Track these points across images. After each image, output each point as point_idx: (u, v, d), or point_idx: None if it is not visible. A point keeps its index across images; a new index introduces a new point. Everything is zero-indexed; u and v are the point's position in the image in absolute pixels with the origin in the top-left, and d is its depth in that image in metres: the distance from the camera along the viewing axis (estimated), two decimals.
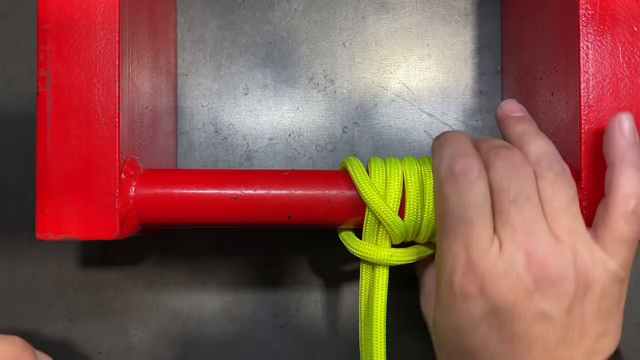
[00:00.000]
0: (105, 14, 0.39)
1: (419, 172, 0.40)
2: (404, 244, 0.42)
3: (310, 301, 0.55)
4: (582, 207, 0.39)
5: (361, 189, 0.39)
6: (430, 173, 0.39)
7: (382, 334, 0.42)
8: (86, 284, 0.55)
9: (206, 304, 0.55)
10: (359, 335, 0.44)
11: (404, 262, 0.42)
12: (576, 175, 0.39)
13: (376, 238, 0.41)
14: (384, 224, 0.39)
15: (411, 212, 0.39)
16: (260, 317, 0.55)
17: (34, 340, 0.55)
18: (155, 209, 0.40)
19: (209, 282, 0.55)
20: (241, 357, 0.55)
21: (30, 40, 0.55)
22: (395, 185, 0.40)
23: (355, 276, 0.55)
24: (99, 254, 0.55)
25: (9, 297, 0.55)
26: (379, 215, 0.39)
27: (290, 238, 0.54)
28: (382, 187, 0.40)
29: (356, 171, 0.40)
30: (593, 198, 0.39)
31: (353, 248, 0.42)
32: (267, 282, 0.55)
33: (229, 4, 0.55)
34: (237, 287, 0.55)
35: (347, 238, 0.42)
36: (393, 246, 0.42)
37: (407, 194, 0.40)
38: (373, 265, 0.42)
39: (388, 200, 0.39)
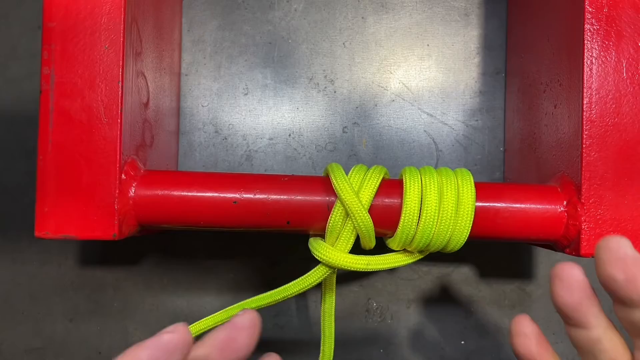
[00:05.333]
0: (110, 14, 0.38)
1: (419, 180, 0.40)
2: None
3: (310, 301, 0.55)
4: (580, 222, 0.39)
5: (334, 180, 0.39)
6: (432, 182, 0.39)
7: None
8: (86, 284, 0.55)
9: (206, 304, 0.55)
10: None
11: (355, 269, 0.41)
12: (577, 190, 0.39)
13: (337, 237, 0.40)
14: (351, 215, 0.39)
15: (407, 217, 0.39)
16: (260, 317, 0.55)
17: (34, 340, 0.55)
18: (155, 210, 0.40)
19: (209, 282, 0.55)
20: None
21: (30, 40, 0.55)
22: (371, 184, 0.39)
23: (354, 276, 0.55)
24: (98, 254, 0.55)
25: (9, 297, 0.55)
26: (346, 204, 0.39)
27: (290, 238, 0.54)
28: (357, 184, 0.39)
29: (335, 168, 0.40)
30: (592, 213, 0.39)
31: (316, 250, 0.41)
32: (267, 282, 0.55)
33: (229, 4, 0.55)
34: (237, 287, 0.55)
35: (314, 242, 0.42)
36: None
37: (405, 199, 0.39)
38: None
39: (361, 195, 0.39)
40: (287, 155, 0.55)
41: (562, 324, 0.55)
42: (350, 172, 0.40)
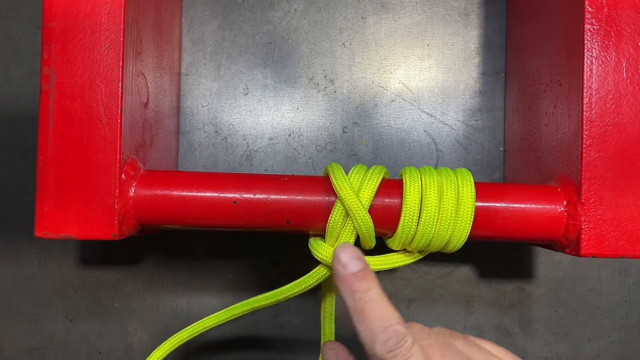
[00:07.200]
0: (110, 14, 0.38)
1: (419, 180, 0.40)
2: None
3: (310, 301, 0.55)
4: (580, 222, 0.39)
5: (334, 180, 0.39)
6: (432, 182, 0.39)
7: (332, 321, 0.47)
8: (86, 284, 0.55)
9: (206, 304, 0.55)
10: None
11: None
12: (577, 190, 0.40)
13: (337, 237, 0.40)
14: (351, 215, 0.39)
15: (407, 216, 0.39)
16: (260, 317, 0.55)
17: (34, 340, 0.55)
18: (155, 210, 0.40)
19: (209, 283, 0.55)
20: (241, 357, 0.55)
21: (30, 40, 0.55)
22: (371, 184, 0.39)
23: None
24: (99, 254, 0.55)
25: (9, 297, 0.55)
26: (346, 204, 0.39)
27: (290, 238, 0.54)
28: (357, 184, 0.39)
29: (335, 168, 0.40)
30: (592, 213, 0.39)
31: (315, 249, 0.41)
32: (267, 282, 0.55)
33: (229, 4, 0.55)
34: (237, 287, 0.55)
35: (314, 243, 0.42)
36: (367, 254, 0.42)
37: (405, 199, 0.39)
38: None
39: (361, 195, 0.39)
40: (287, 155, 0.55)
41: (561, 325, 0.55)
42: (350, 172, 0.40)
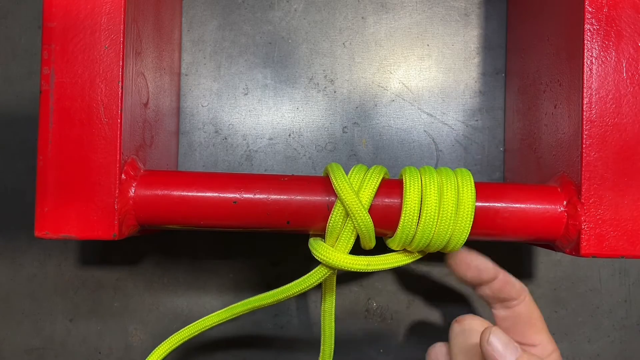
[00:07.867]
0: (110, 14, 0.38)
1: (419, 180, 0.40)
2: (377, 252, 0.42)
3: (310, 301, 0.55)
4: (580, 222, 0.39)
5: (334, 180, 0.39)
6: (432, 182, 0.39)
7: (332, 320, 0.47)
8: (86, 284, 0.55)
9: (206, 304, 0.55)
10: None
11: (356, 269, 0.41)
12: (577, 190, 0.40)
13: (337, 237, 0.40)
14: (351, 215, 0.39)
15: (407, 217, 0.39)
16: (260, 317, 0.55)
17: (34, 340, 0.55)
18: (155, 210, 0.40)
19: (209, 282, 0.55)
20: (241, 357, 0.55)
21: (30, 40, 0.55)
22: (371, 184, 0.39)
23: (354, 276, 0.55)
24: (98, 254, 0.55)
25: (9, 297, 0.55)
26: (346, 204, 0.38)
27: (290, 238, 0.54)
28: (357, 184, 0.39)
29: (335, 168, 0.40)
30: (592, 213, 0.39)
31: (316, 250, 0.41)
32: (267, 282, 0.55)
33: (229, 4, 0.55)
34: (237, 287, 0.55)
35: (314, 243, 0.42)
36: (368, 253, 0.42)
37: (405, 199, 0.39)
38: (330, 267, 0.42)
39: (361, 195, 0.39)
40: (287, 155, 0.55)
41: (561, 325, 0.55)
42: (350, 172, 0.40)
